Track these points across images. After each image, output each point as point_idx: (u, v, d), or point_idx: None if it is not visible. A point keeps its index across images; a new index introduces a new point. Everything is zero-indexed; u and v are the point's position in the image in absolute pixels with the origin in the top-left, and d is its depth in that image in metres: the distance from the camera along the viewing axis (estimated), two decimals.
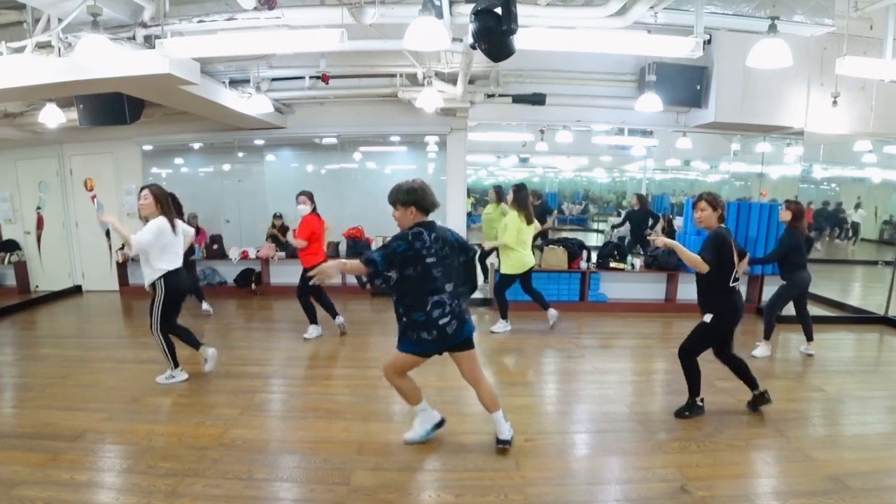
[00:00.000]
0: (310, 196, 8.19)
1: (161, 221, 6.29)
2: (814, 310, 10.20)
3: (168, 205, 6.41)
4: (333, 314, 8.62)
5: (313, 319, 8.57)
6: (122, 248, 11.46)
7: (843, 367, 7.68)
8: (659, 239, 5.61)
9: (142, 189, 6.41)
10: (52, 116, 8.42)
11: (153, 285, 6.44)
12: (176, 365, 6.71)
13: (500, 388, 6.53)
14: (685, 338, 5.70)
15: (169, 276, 6.43)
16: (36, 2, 5.54)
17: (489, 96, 10.14)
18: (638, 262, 10.62)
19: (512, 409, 5.88)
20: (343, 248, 11.88)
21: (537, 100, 10.12)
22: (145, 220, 6.34)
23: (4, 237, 12.62)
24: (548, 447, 5.11)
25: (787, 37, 5.66)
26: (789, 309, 7.86)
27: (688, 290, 9.96)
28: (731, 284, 5.49)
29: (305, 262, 8.14)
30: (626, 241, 11.81)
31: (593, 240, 12.36)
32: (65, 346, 8.35)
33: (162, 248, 6.34)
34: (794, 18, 7.07)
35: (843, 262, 13.17)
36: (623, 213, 12.94)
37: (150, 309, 6.48)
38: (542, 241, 10.73)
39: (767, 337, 7.81)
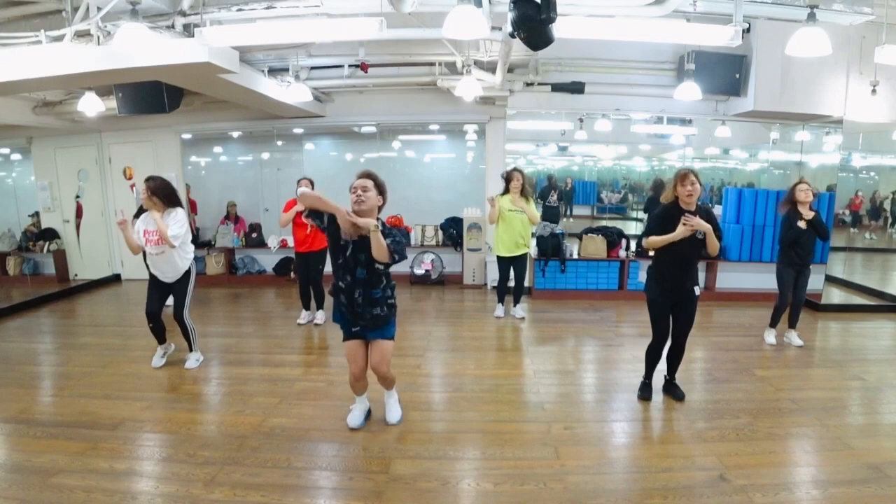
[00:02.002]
0: (310, 182, 8.20)
1: (182, 212, 6.47)
2: (854, 298, 10.14)
3: (174, 193, 6.49)
4: (319, 306, 8.83)
5: (307, 305, 8.81)
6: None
7: (883, 356, 7.54)
8: (693, 220, 5.29)
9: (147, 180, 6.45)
10: (90, 105, 8.43)
11: (188, 271, 6.65)
12: (196, 347, 6.95)
13: (540, 376, 6.54)
14: (690, 324, 5.81)
15: (194, 261, 6.76)
16: None
17: (528, 85, 10.09)
18: None
19: (551, 398, 5.93)
20: None
21: (576, 88, 10.06)
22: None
23: (44, 226, 12.72)
24: (587, 436, 5.09)
25: (826, 25, 5.56)
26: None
27: (727, 279, 9.97)
28: None
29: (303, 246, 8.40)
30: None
31: (632, 228, 12.30)
32: (104, 335, 8.47)
33: (188, 234, 6.54)
34: (833, 7, 7.04)
35: (883, 250, 12.95)
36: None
37: (180, 295, 6.65)
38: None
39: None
